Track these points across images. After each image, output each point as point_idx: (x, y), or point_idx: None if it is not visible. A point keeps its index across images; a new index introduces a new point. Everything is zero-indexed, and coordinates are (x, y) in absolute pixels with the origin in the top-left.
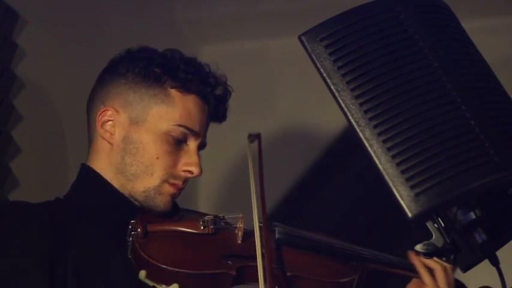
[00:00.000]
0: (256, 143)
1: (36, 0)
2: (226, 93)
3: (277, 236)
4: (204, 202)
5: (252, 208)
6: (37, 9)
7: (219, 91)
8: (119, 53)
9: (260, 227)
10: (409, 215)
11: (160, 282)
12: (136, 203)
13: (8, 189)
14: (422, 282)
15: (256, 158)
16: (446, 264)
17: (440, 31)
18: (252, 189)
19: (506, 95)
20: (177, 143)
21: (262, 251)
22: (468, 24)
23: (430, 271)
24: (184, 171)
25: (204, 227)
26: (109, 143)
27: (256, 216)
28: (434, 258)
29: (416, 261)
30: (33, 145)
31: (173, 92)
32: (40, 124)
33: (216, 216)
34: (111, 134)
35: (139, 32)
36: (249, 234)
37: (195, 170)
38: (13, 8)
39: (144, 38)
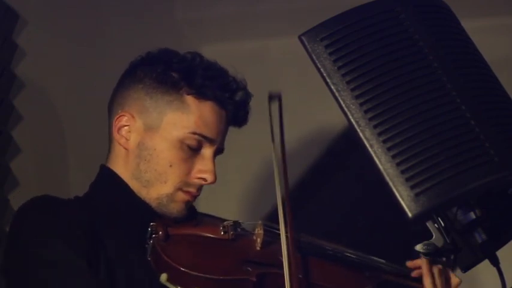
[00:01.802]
0: (276, 104)
1: (36, 0)
2: (246, 98)
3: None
4: (204, 203)
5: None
6: (37, 9)
7: (238, 96)
8: (140, 56)
9: (286, 236)
10: (409, 215)
11: (181, 286)
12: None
13: (8, 189)
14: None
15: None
16: (439, 266)
17: (440, 31)
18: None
19: (506, 95)
20: (192, 150)
21: (288, 260)
22: (468, 24)
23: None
24: (198, 178)
25: (225, 232)
26: (125, 148)
27: (282, 222)
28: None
29: (424, 264)
30: (33, 145)
31: (189, 99)
32: (40, 124)
33: (235, 222)
34: (127, 140)
35: (139, 32)
36: (268, 241)
37: (209, 177)
38: (13, 8)
39: (144, 38)
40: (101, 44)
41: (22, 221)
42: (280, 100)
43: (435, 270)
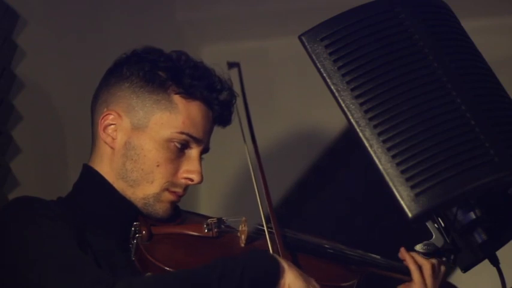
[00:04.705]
0: (235, 70)
1: (36, 0)
2: (231, 98)
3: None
4: (202, 203)
5: (254, 209)
6: (37, 9)
7: (224, 96)
8: (124, 54)
9: (269, 231)
10: (409, 215)
11: None
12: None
13: (8, 189)
14: (411, 281)
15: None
16: (433, 261)
17: (440, 31)
18: (253, 182)
19: (506, 95)
20: (179, 150)
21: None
22: (468, 24)
23: (420, 268)
24: (185, 178)
25: (208, 230)
26: (110, 147)
27: (262, 213)
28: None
29: (407, 257)
30: (33, 145)
31: (177, 98)
32: (40, 124)
33: (219, 219)
34: (113, 139)
35: (139, 32)
36: (252, 238)
37: (195, 177)
38: (13, 8)
39: (144, 38)
40: (101, 44)
41: (4, 212)
42: (239, 68)
43: (422, 262)
